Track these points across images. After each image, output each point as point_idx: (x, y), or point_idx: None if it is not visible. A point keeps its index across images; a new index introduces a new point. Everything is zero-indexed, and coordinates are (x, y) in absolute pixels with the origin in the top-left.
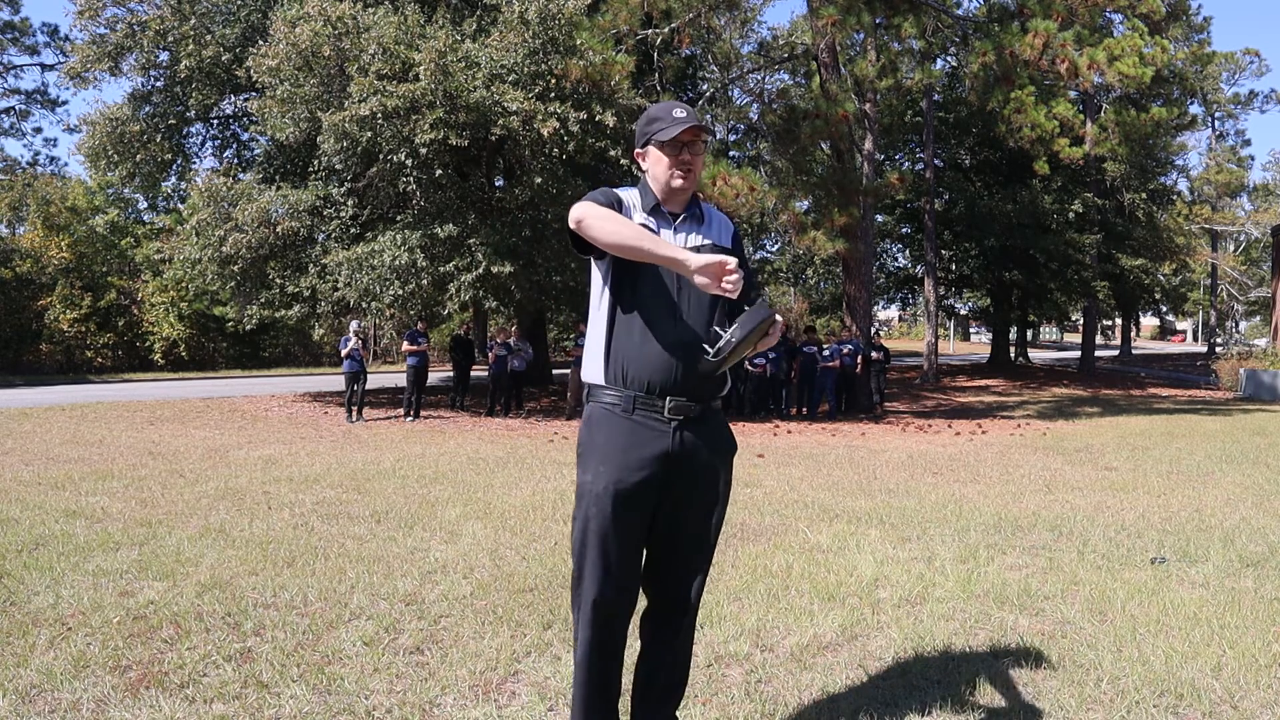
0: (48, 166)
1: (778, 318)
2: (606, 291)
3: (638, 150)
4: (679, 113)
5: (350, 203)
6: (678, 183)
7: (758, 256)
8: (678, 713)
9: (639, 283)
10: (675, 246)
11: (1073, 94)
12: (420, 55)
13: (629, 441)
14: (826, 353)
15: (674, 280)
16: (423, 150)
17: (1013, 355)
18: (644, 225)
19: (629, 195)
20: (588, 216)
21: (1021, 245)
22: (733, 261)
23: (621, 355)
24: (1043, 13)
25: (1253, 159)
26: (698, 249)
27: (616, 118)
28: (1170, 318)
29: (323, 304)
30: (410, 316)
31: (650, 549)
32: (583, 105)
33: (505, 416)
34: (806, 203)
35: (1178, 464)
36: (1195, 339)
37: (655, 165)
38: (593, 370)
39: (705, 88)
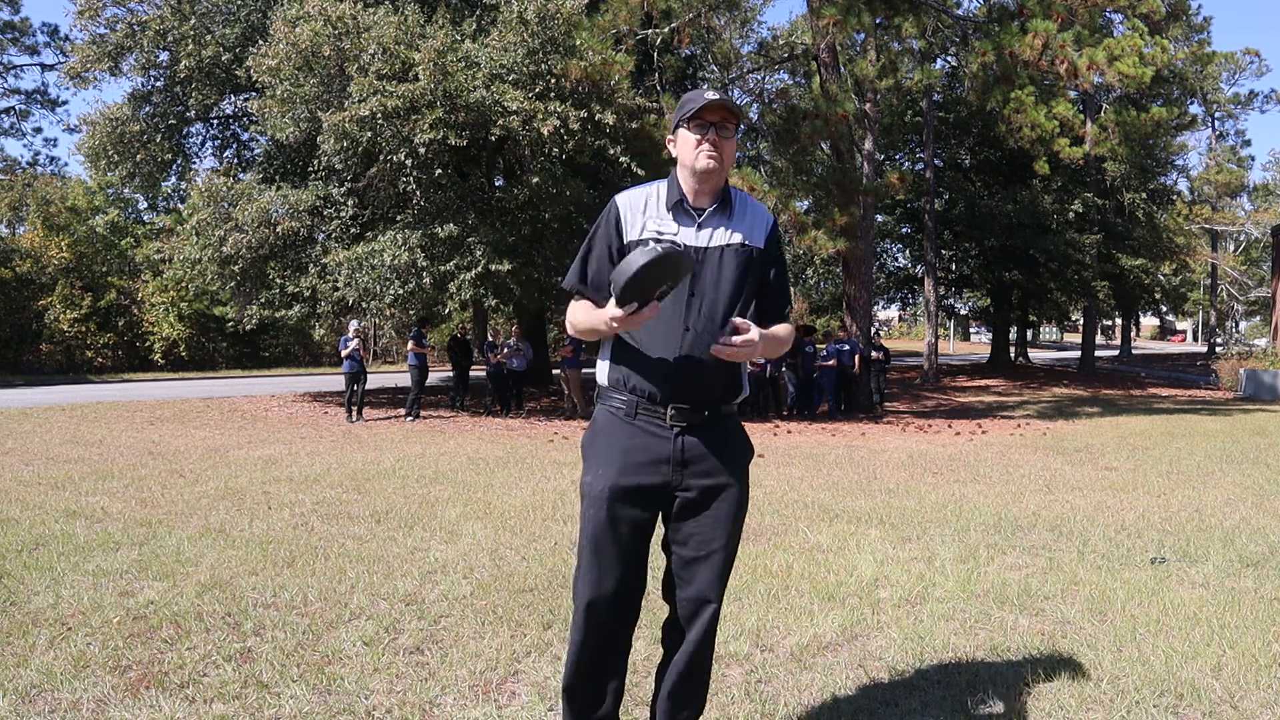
0: (48, 166)
1: (750, 335)
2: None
3: (669, 137)
4: (710, 94)
5: (350, 203)
6: (703, 163)
7: None
8: None
9: None
10: (602, 313)
11: (1073, 94)
12: (420, 55)
13: (629, 445)
14: (824, 353)
15: (683, 287)
16: (422, 150)
17: (1013, 355)
18: (659, 229)
19: (641, 198)
20: (570, 324)
21: (1021, 245)
22: (625, 310)
23: (625, 362)
24: (1042, 13)
25: (1253, 159)
26: (723, 248)
27: (616, 117)
28: (1170, 318)
29: (323, 304)
30: (410, 316)
31: (667, 557)
32: (582, 104)
33: (505, 416)
34: (806, 203)
35: (1178, 464)
36: (1195, 339)
37: (683, 148)
38: (601, 374)
39: (705, 88)
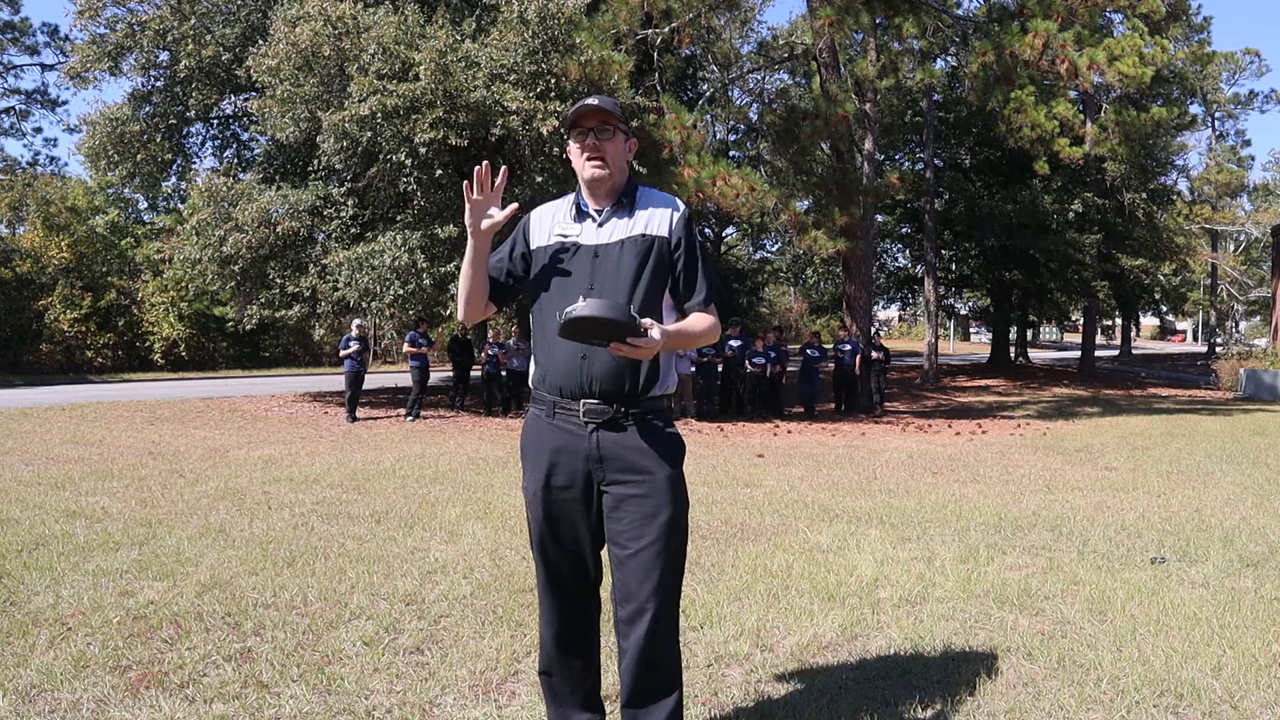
0: (48, 166)
1: (652, 334)
2: (531, 299)
3: (565, 151)
4: (589, 101)
5: (350, 203)
6: (589, 173)
7: (757, 256)
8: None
9: (550, 284)
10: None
11: (1073, 94)
12: (420, 55)
13: (552, 446)
14: (814, 353)
15: (585, 280)
16: (422, 150)
17: (1013, 355)
18: (563, 232)
19: (550, 209)
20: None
21: (1021, 245)
22: (483, 166)
23: (542, 360)
24: (1043, 13)
25: (1253, 159)
26: (622, 242)
27: None
28: (1170, 318)
29: (323, 304)
30: (410, 317)
31: (608, 557)
32: None
33: (505, 416)
34: (806, 203)
35: (1178, 464)
36: (1195, 339)
37: (574, 159)
38: (530, 374)
39: (705, 88)
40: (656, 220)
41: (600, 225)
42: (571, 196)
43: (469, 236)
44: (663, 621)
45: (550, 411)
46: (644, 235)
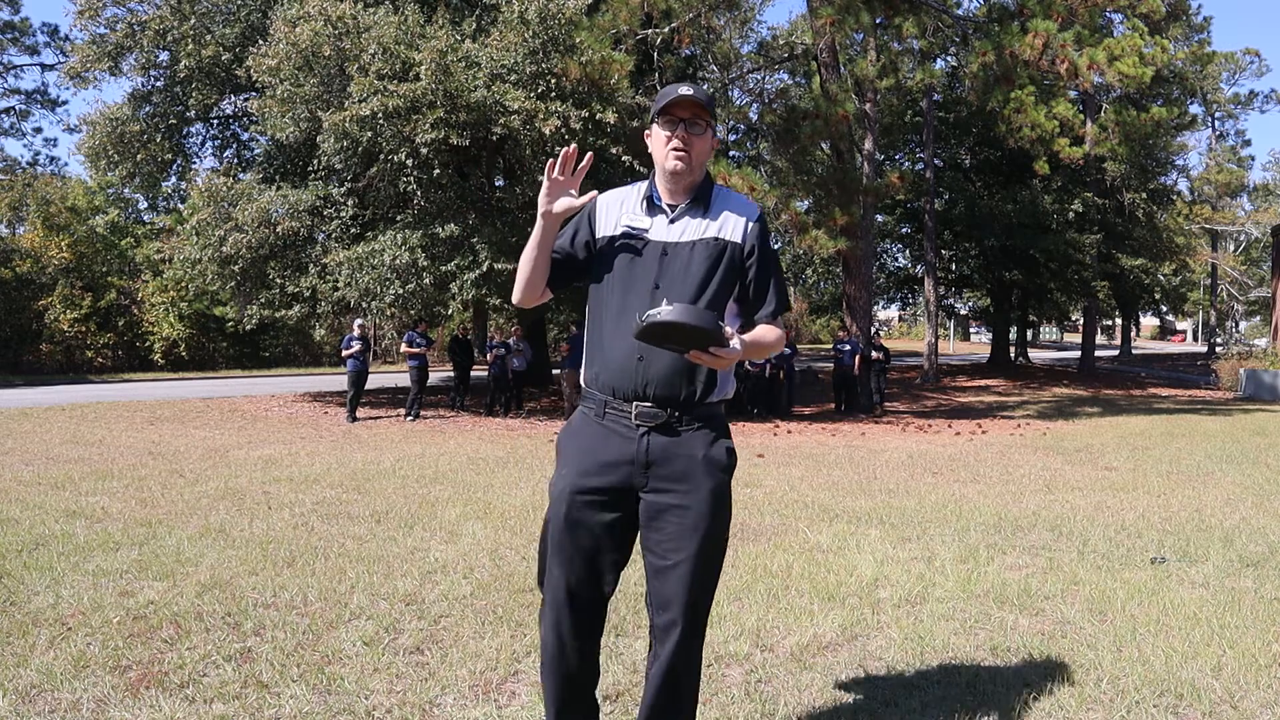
0: (48, 166)
1: (734, 344)
2: (590, 291)
3: (646, 133)
4: (683, 89)
5: (350, 203)
6: (671, 164)
7: None
8: None
9: (614, 283)
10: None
11: (1073, 94)
12: (421, 55)
13: (593, 446)
14: (788, 350)
15: (651, 277)
16: (423, 150)
17: (1013, 355)
18: (631, 223)
19: (619, 196)
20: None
21: (1021, 245)
22: (569, 150)
23: (596, 359)
24: (1043, 13)
25: (1253, 159)
26: (694, 243)
27: (617, 116)
28: (1170, 318)
29: (323, 304)
30: (410, 317)
31: (644, 564)
32: (583, 104)
33: (505, 416)
34: (807, 203)
35: (1178, 464)
36: (1195, 339)
37: (656, 145)
38: (582, 373)
39: (705, 88)
40: (731, 225)
41: (672, 221)
42: (642, 186)
43: (539, 218)
44: (692, 637)
45: (600, 411)
46: (717, 239)
